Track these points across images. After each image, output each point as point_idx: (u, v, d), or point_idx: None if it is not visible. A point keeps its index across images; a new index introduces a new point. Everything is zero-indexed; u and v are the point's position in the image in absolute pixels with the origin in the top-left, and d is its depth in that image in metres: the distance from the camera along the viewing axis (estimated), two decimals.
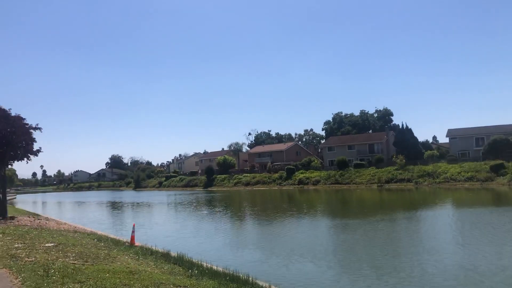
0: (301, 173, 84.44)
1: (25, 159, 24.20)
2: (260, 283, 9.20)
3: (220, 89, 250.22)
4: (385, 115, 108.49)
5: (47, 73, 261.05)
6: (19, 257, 9.74)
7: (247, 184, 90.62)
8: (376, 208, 36.19)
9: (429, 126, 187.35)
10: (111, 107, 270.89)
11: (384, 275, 12.06)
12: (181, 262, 11.53)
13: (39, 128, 23.25)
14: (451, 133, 79.26)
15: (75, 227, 21.40)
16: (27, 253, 10.33)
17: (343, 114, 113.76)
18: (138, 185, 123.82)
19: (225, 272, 10.18)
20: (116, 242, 14.88)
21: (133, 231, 15.22)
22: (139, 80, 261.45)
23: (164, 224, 28.65)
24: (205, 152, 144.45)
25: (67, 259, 9.85)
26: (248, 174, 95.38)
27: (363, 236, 19.46)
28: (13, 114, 22.38)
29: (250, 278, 9.28)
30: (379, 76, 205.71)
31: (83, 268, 8.74)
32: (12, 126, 21.94)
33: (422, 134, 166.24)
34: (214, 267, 10.96)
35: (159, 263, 11.21)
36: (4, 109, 21.96)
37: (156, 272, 9.60)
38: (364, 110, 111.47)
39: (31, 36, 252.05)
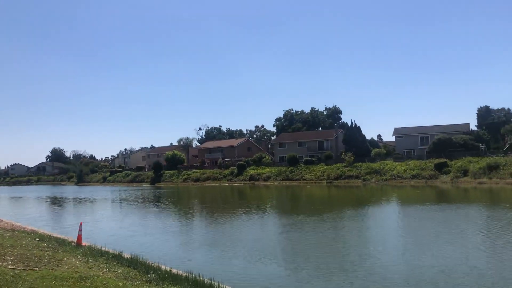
0: (252, 169, 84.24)
1: None
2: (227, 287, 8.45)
3: (169, 83, 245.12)
4: (334, 113, 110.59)
5: None
6: None
7: (197, 180, 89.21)
8: (326, 204, 36.41)
9: (376, 125, 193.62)
10: (52, 98, 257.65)
11: (332, 274, 11.75)
12: (136, 264, 10.53)
13: None
14: (397, 132, 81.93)
15: (13, 225, 19.56)
16: None
17: (294, 111, 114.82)
18: (81, 180, 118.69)
19: (186, 276, 9.31)
20: (61, 242, 13.51)
21: (79, 230, 13.90)
22: (83, 70, 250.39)
23: (111, 222, 27.06)
24: (152, 147, 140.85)
25: (4, 264, 8.60)
26: (198, 170, 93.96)
27: (313, 234, 19.17)
28: None
29: (215, 283, 8.51)
30: (328, 73, 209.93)
31: (24, 274, 7.59)
32: None
33: (369, 132, 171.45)
34: (174, 271, 10.04)
35: (112, 266, 10.14)
36: None
37: (109, 277, 8.58)
38: (314, 108, 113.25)
39: None
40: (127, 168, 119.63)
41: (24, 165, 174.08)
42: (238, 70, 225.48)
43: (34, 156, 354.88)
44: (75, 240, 13.84)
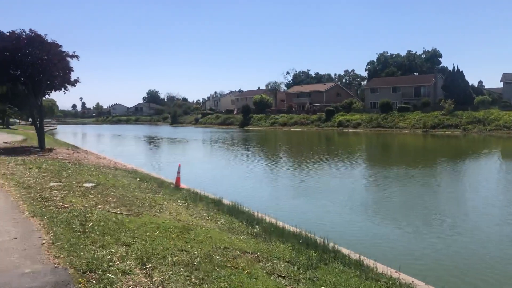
0: (341, 115, 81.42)
1: (63, 89, 22.87)
2: (344, 251, 7.43)
3: (257, 26, 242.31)
4: (433, 57, 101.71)
5: (90, 5, 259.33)
6: (52, 200, 8.30)
7: (284, 124, 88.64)
8: (422, 155, 33.76)
9: (478, 70, 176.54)
10: (149, 42, 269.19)
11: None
12: (237, 213, 9.90)
13: (76, 56, 21.60)
14: (505, 78, 73.40)
15: (115, 163, 20.24)
16: (62, 196, 8.89)
17: (388, 54, 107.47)
18: (174, 121, 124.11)
19: (294, 232, 8.43)
20: (161, 183, 13.38)
21: (178, 172, 13.61)
22: (177, 16, 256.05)
23: (206, 164, 27.34)
24: (240, 91, 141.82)
25: (107, 206, 8.35)
26: (285, 115, 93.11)
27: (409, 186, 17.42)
28: (48, 41, 20.76)
29: (329, 244, 7.52)
30: (427, 15, 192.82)
31: (127, 221, 7.17)
32: (48, 53, 20.36)
33: (470, 78, 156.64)
34: (279, 224, 9.24)
35: (212, 213, 9.61)
36: (39, 34, 20.27)
37: (212, 227, 7.97)
38: (411, 51, 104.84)
39: None
40: (217, 110, 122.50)
41: (123, 105, 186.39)
42: (329, 9, 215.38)
43: (132, 97, 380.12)
44: (174, 182, 13.67)
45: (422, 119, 69.49)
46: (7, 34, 19.79)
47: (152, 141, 53.50)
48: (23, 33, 20.04)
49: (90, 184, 10.80)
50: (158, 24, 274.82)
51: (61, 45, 21.21)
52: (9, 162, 14.39)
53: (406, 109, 74.63)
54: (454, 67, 73.82)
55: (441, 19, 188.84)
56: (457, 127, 64.09)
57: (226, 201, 11.48)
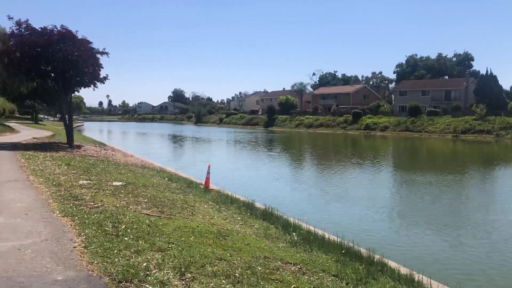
0: (369, 117, 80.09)
1: (92, 85, 22.86)
2: (392, 264, 6.87)
3: (283, 26, 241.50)
4: (465, 60, 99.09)
5: (118, 5, 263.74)
6: (83, 199, 8.00)
7: (309, 126, 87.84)
8: (456, 160, 32.62)
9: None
10: (175, 42, 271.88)
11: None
12: (271, 218, 9.45)
13: (106, 53, 21.54)
14: None
15: (142, 161, 20.08)
16: (93, 194, 8.61)
17: (418, 56, 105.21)
18: (199, 120, 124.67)
19: (334, 241, 7.91)
20: (189, 183, 13.03)
21: (208, 172, 13.23)
22: (203, 17, 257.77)
23: (232, 164, 26.97)
24: (265, 91, 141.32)
25: (139, 207, 8.00)
26: (311, 116, 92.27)
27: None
28: (79, 37, 20.75)
29: (374, 255, 6.98)
30: (459, 16, 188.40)
31: (160, 224, 6.79)
32: (78, 49, 20.32)
33: (505, 83, 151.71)
34: (317, 231, 8.73)
35: (246, 217, 9.18)
36: (70, 30, 20.26)
37: (248, 233, 7.54)
38: (442, 54, 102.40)
39: None
40: (241, 111, 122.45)
41: (149, 104, 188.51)
42: (357, 10, 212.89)
43: (158, 95, 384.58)
44: (203, 183, 13.31)
45: (452, 123, 67.66)
46: (39, 29, 19.82)
47: (177, 139, 53.60)
48: (55, 29, 20.07)
49: (120, 183, 10.52)
50: (184, 24, 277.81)
51: (91, 42, 21.16)
52: (39, 158, 14.31)
53: (436, 113, 72.82)
54: (487, 70, 71.69)
55: (473, 21, 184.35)
56: (489, 132, 62.10)
57: (258, 205, 11.03)
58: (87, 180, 10.46)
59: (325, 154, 36.29)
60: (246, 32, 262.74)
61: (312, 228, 9.05)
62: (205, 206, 9.65)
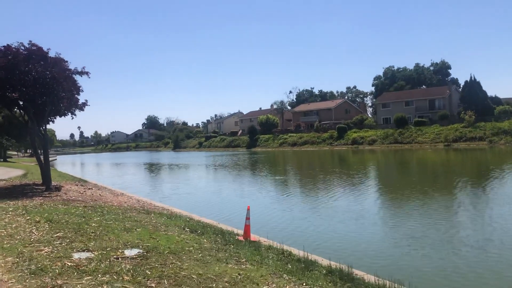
0: (354, 132, 78.11)
1: (70, 113, 19.04)
2: None
3: (253, 48, 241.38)
4: (442, 69, 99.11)
5: (84, 31, 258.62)
6: None
7: (294, 144, 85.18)
8: (458, 171, 29.92)
9: (491, 81, 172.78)
10: (146, 68, 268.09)
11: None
12: (319, 269, 6.10)
13: (86, 73, 17.73)
14: None
15: (139, 201, 16.37)
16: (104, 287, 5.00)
17: (395, 68, 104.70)
18: (177, 146, 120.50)
19: None
20: (222, 234, 9.39)
21: (247, 218, 9.46)
22: (173, 42, 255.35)
23: (235, 195, 23.29)
24: (239, 112, 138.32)
25: None
26: (294, 134, 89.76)
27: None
28: (52, 56, 17.00)
29: None
30: (429, 26, 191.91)
31: None
32: (51, 70, 16.55)
33: (486, 89, 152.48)
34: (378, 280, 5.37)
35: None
36: (40, 47, 16.53)
37: None
38: (419, 63, 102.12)
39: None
40: (220, 133, 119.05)
41: (123, 132, 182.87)
42: (325, 27, 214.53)
43: (131, 123, 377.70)
44: (239, 232, 9.74)
45: (442, 132, 66.17)
46: (2, 48, 16.04)
47: (163, 168, 49.44)
48: (21, 47, 16.36)
49: (135, 251, 6.94)
50: (153, 50, 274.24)
51: (67, 61, 17.45)
52: (7, 213, 10.43)
53: (423, 123, 71.38)
54: (471, 77, 70.79)
55: (447, 29, 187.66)
56: (482, 139, 60.69)
57: (295, 251, 7.57)
58: (84, 250, 6.82)
59: (330, 175, 32.62)
60: (217, 55, 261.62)
61: (368, 277, 5.68)
62: (276, 280, 6.13)
